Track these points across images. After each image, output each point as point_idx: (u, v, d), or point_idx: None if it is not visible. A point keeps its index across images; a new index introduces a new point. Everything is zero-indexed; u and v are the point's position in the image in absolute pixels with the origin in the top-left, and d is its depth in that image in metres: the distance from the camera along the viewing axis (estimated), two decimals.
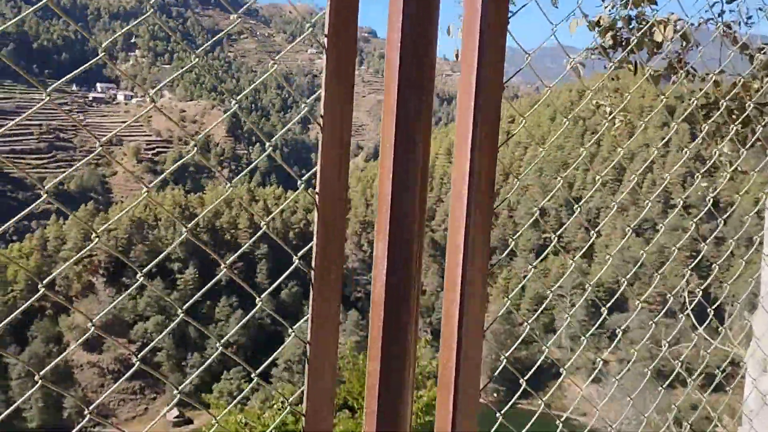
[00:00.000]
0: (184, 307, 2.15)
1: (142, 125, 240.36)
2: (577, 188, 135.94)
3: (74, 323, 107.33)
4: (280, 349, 3.27)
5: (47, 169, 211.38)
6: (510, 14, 2.22)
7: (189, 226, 2.06)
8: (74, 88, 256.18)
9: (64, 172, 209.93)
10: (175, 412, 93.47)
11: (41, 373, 1.72)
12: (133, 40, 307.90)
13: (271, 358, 3.08)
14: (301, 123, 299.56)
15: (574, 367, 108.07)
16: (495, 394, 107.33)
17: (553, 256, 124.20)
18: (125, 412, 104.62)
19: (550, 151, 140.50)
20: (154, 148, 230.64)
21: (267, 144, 2.20)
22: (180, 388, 2.31)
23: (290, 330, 2.51)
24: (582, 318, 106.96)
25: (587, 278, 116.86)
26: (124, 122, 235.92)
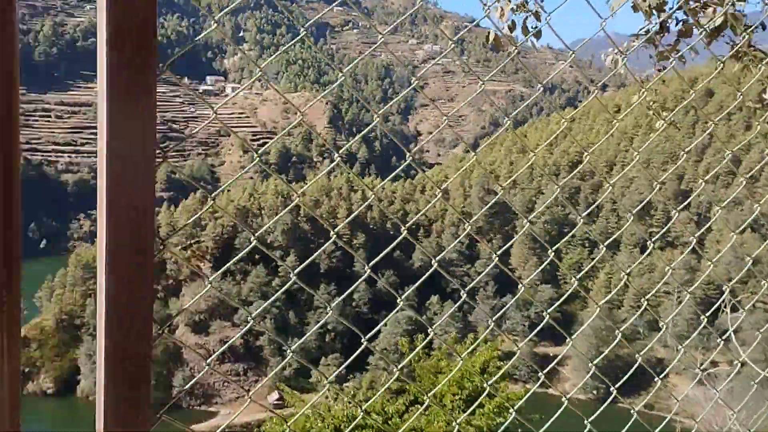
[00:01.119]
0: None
1: (248, 116, 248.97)
2: (687, 180, 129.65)
3: (182, 306, 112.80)
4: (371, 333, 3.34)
5: (162, 158, 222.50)
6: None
7: (256, 235, 2.07)
8: (186, 80, 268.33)
9: (177, 160, 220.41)
10: (276, 395, 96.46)
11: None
12: (241, 34, 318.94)
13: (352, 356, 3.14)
14: (401, 113, 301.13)
15: (681, 366, 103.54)
16: (594, 392, 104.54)
17: (660, 251, 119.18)
18: (228, 393, 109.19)
19: (657, 141, 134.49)
20: (259, 139, 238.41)
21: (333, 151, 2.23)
22: (250, 393, 2.38)
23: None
24: (690, 316, 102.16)
25: (696, 275, 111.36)
26: (232, 114, 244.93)
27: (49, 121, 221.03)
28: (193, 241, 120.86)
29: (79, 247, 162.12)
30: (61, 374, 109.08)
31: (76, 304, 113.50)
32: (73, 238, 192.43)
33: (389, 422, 15.76)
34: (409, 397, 16.88)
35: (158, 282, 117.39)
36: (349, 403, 15.52)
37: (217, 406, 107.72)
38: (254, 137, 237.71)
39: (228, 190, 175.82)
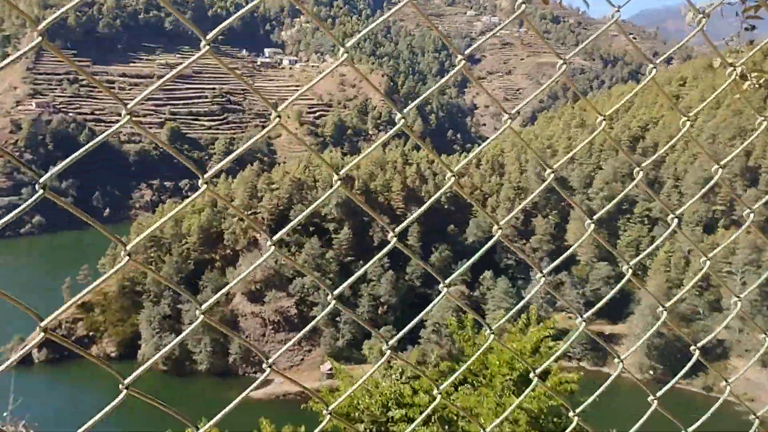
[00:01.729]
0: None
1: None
2: (755, 157, 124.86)
3: (239, 275, 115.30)
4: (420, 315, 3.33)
5: (219, 130, 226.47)
6: None
7: (274, 240, 2.08)
8: (244, 53, 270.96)
9: (234, 133, 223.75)
10: (329, 365, 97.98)
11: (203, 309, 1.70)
12: (297, 7, 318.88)
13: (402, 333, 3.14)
14: (457, 86, 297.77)
15: (743, 349, 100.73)
16: (651, 372, 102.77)
17: (724, 229, 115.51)
18: (283, 362, 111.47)
19: (726, 116, 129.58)
20: (315, 112, 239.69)
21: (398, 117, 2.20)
22: (270, 361, 2.41)
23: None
24: (754, 297, 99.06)
25: (762, 255, 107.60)
26: (289, 86, 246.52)
27: (112, 91, 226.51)
28: (249, 213, 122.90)
29: (141, 215, 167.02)
30: (124, 339, 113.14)
31: (137, 271, 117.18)
32: (135, 207, 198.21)
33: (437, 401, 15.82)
34: (458, 376, 16.88)
35: (215, 251, 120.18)
36: (397, 380, 15.64)
37: (272, 374, 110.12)
38: (311, 109, 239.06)
39: (284, 162, 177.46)
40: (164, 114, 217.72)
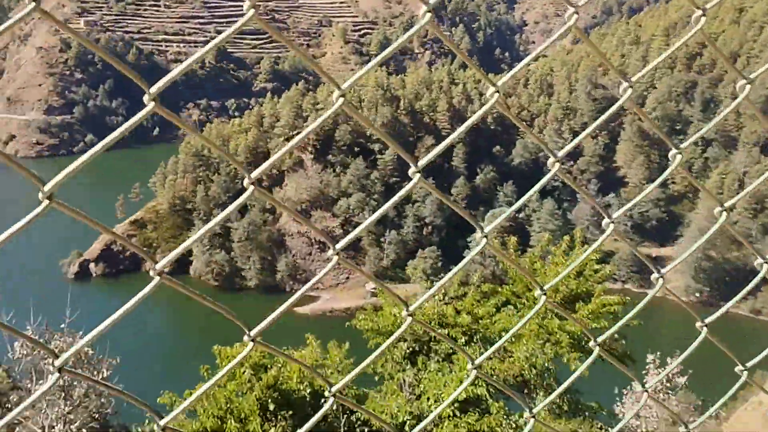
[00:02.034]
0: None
1: (349, 6, 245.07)
2: None
3: (286, 196, 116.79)
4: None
5: (264, 49, 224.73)
6: None
7: (253, 178, 2.04)
8: None
9: (279, 52, 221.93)
10: (372, 284, 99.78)
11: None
12: None
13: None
14: (506, 2, 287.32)
15: None
16: (698, 294, 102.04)
17: None
18: (329, 280, 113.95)
19: None
20: (360, 30, 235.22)
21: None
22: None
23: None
24: None
25: None
26: (333, 3, 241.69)
27: (158, 10, 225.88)
28: (294, 133, 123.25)
29: (189, 135, 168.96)
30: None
31: (187, 190, 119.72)
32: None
33: (479, 322, 16.05)
34: (500, 298, 17.04)
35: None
36: (440, 300, 15.86)
37: (318, 291, 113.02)
38: (355, 27, 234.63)
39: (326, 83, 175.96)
40: (209, 33, 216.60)
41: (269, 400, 13.08)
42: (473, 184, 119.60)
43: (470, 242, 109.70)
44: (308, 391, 13.65)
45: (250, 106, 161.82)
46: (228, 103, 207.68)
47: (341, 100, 1.88)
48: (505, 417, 14.78)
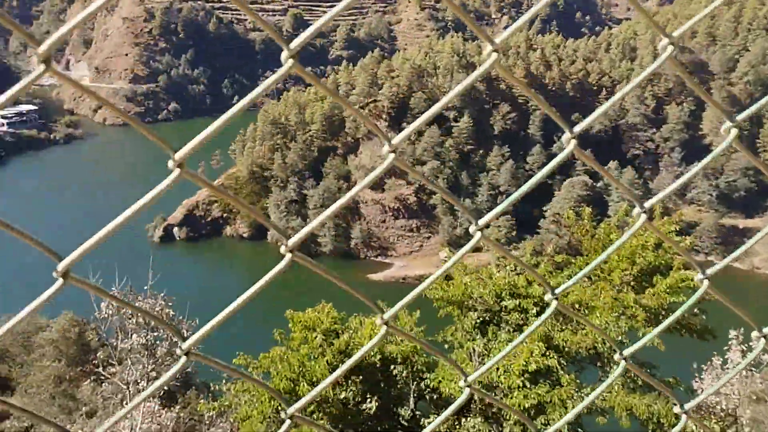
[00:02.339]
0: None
1: None
2: None
3: (361, 163, 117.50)
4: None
5: (341, 16, 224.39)
6: None
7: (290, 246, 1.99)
8: None
9: (355, 18, 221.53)
10: (444, 253, 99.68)
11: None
12: None
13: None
14: None
15: None
16: None
17: None
18: (403, 247, 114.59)
19: None
20: None
21: None
22: None
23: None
24: None
25: None
26: None
27: None
28: (369, 100, 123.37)
29: (267, 103, 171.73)
30: (255, 221, 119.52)
31: (265, 158, 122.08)
32: (264, 95, 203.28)
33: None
34: (574, 269, 16.65)
35: (337, 139, 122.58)
36: (512, 270, 15.66)
37: (391, 258, 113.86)
38: None
39: (404, 48, 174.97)
40: (287, 1, 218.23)
41: (340, 365, 13.35)
42: (550, 152, 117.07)
43: (545, 211, 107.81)
44: (378, 357, 13.84)
45: (326, 74, 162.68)
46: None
47: (494, 55, 1.68)
48: (576, 390, 14.60)
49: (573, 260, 17.18)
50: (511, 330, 15.83)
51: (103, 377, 16.83)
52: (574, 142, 1.92)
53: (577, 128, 1.90)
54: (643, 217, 2.00)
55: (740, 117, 1.95)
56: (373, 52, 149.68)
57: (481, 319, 15.66)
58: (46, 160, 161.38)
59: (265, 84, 1.53)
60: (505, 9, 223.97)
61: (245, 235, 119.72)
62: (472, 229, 1.83)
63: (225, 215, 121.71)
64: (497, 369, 14.54)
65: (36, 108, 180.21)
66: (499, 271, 16.83)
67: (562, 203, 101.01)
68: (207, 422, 18.92)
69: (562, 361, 14.78)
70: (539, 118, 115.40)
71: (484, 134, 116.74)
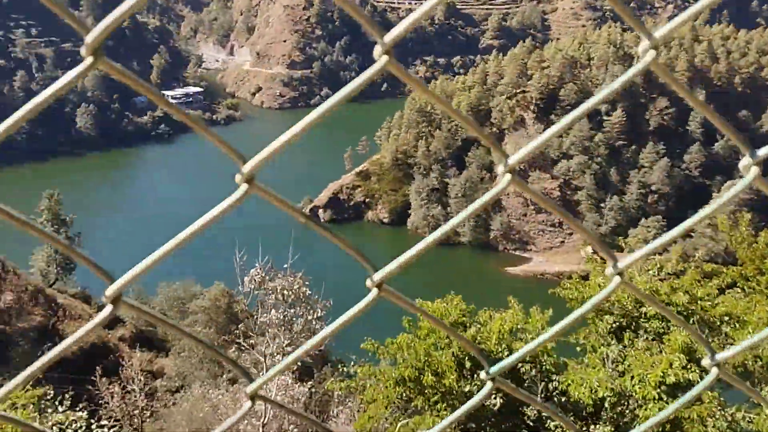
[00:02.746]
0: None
1: None
2: None
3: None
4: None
5: (493, 4, 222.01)
6: None
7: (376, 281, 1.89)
8: None
9: (508, 7, 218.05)
10: (590, 249, 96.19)
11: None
12: None
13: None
14: None
15: None
16: None
17: None
18: (543, 242, 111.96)
19: None
20: None
21: None
22: None
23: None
24: None
25: None
26: None
27: None
28: (518, 91, 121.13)
29: (414, 91, 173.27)
30: (395, 207, 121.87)
31: (409, 145, 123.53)
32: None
33: (697, 303, 14.75)
34: (725, 279, 15.46)
35: (483, 129, 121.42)
36: (654, 275, 14.83)
37: (531, 252, 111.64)
38: None
39: (558, 38, 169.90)
40: None
41: (466, 358, 13.31)
42: (710, 151, 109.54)
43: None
44: (506, 354, 13.65)
45: (476, 64, 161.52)
46: (453, 60, 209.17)
47: (651, 54, 1.32)
48: (719, 408, 13.66)
49: (724, 269, 16.01)
50: (650, 338, 15.04)
51: (243, 347, 17.90)
52: (755, 169, 1.54)
53: (761, 152, 1.47)
54: None
55: (762, 153, 1.42)
56: (524, 41, 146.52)
57: (617, 324, 15.00)
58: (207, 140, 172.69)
59: (355, 83, 1.33)
60: None
61: (385, 220, 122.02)
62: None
63: (367, 200, 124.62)
64: (631, 378, 13.89)
65: (202, 90, 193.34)
66: (640, 275, 16.03)
67: (721, 206, 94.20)
68: (337, 400, 19.62)
69: (704, 376, 13.86)
70: (700, 115, 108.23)
71: (638, 129, 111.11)
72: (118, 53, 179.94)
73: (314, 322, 16.91)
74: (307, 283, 16.27)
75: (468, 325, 14.04)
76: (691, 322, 14.86)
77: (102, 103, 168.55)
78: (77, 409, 16.17)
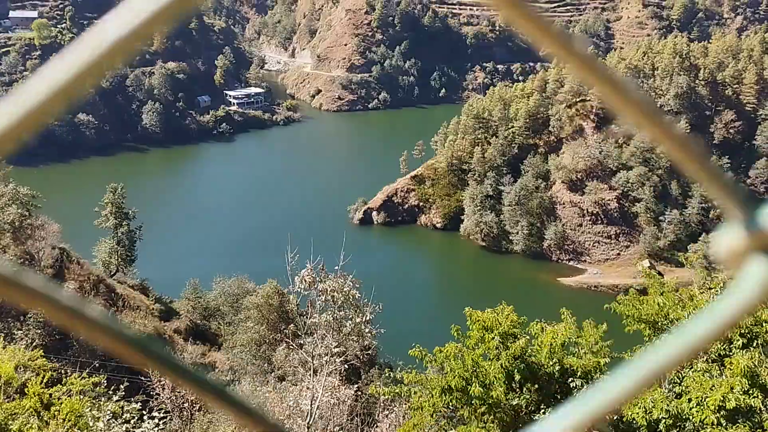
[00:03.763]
0: None
1: None
2: None
3: (561, 164, 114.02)
4: None
5: (555, 12, 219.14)
6: None
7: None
8: None
9: (571, 15, 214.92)
10: (647, 262, 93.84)
11: None
12: None
13: None
14: None
15: None
16: None
17: None
18: (598, 253, 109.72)
19: None
20: None
21: None
22: None
23: None
24: None
25: None
26: None
27: None
28: (578, 99, 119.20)
29: (472, 97, 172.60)
30: (449, 212, 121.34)
31: (465, 151, 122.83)
32: (468, 89, 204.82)
33: (763, 325, 14.17)
34: None
35: (540, 137, 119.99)
36: (716, 294, 14.30)
37: (585, 264, 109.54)
38: None
39: (621, 47, 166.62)
40: None
41: (515, 370, 13.06)
42: None
43: None
44: (557, 368, 13.36)
45: (535, 71, 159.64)
46: (513, 67, 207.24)
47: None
48: None
49: None
50: (710, 360, 14.51)
51: (292, 346, 18.03)
52: None
53: None
54: None
55: None
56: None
57: None
58: (267, 138, 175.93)
59: None
60: (740, 8, 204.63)
61: (438, 225, 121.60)
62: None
63: (421, 204, 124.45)
64: (689, 400, 13.41)
65: (263, 91, 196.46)
66: (702, 293, 15.51)
67: None
68: (383, 405, 19.58)
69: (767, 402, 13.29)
70: None
71: (702, 142, 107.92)
72: (185, 53, 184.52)
73: (363, 326, 16.92)
74: (357, 285, 16.28)
75: (518, 336, 13.80)
76: (754, 345, 14.27)
77: (167, 101, 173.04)
78: (130, 399, 16.56)
